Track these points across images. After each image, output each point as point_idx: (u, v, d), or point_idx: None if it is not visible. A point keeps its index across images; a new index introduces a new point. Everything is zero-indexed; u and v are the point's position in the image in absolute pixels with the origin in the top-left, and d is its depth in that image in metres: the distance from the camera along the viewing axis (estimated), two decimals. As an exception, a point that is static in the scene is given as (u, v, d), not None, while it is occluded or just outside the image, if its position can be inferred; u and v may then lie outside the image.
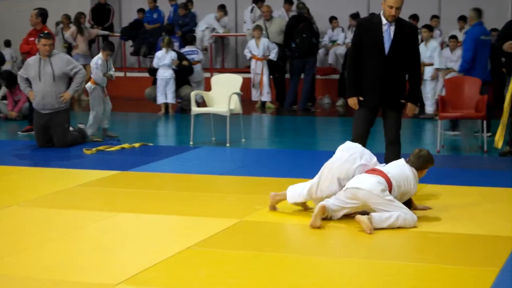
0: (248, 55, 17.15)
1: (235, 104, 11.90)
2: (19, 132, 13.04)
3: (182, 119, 15.16)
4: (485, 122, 11.06)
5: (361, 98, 8.02)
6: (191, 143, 11.72)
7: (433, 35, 15.73)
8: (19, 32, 15.58)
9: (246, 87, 15.55)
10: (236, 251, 6.18)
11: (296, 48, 16.36)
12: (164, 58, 15.93)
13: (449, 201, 7.74)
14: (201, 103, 14.03)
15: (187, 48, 17.00)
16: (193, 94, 12.23)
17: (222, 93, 11.92)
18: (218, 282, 5.45)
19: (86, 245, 6.40)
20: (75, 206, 7.79)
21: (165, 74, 15.91)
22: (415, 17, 17.00)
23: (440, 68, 14.66)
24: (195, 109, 12.03)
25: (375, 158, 7.23)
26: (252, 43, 17.01)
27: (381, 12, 7.91)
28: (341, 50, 18.44)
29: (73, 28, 18.70)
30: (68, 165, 10.27)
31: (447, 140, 11.96)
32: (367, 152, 7.25)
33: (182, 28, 18.78)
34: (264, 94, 17.01)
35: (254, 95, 17.14)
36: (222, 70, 18.68)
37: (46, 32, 11.70)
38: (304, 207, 7.41)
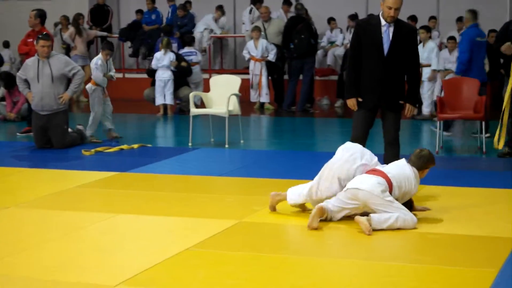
0: (247, 56, 17.14)
1: (234, 105, 11.90)
2: (18, 133, 13.03)
3: (180, 120, 15.15)
4: (483, 123, 11.05)
5: (360, 99, 8.02)
6: (189, 144, 11.72)
7: (432, 36, 15.74)
8: (18, 33, 15.56)
9: (245, 88, 15.54)
10: (235, 252, 6.18)
11: (294, 49, 16.36)
12: (162, 60, 15.93)
13: (448, 202, 7.74)
14: (199, 105, 14.02)
15: (186, 49, 17.00)
16: (191, 95, 12.23)
17: (221, 94, 11.92)
18: (216, 283, 5.45)
19: (85, 246, 6.39)
20: (74, 207, 7.78)
21: (163, 75, 15.91)
22: (413, 18, 17.01)
23: (437, 69, 14.67)
24: (193, 110, 12.03)
25: (376, 158, 7.23)
26: (250, 44, 17.01)
27: (380, 13, 7.92)
28: (340, 51, 18.44)
29: (71, 29, 18.70)
30: (67, 166, 10.26)
31: (443, 140, 11.96)
32: (367, 152, 7.25)
33: (181, 29, 18.78)
34: (262, 95, 17.01)
35: (253, 96, 17.13)
36: (221, 71, 18.67)
37: (44, 33, 11.70)
38: (302, 208, 7.41)
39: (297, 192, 7.31)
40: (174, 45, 17.12)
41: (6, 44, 19.96)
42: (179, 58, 16.18)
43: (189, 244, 6.33)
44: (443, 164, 9.83)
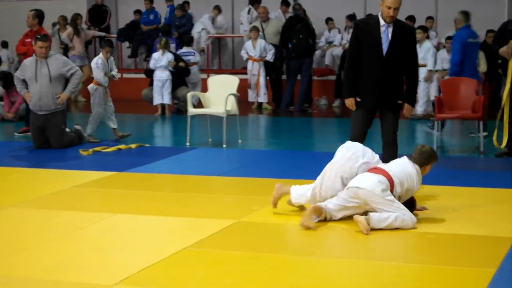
0: (245, 56, 17.15)
1: (232, 105, 11.90)
2: (16, 133, 13.03)
3: (178, 120, 15.15)
4: (481, 122, 11.06)
5: (358, 99, 8.03)
6: (187, 144, 11.72)
7: (429, 36, 15.74)
8: (16, 33, 15.56)
9: (243, 88, 15.55)
10: (233, 252, 6.17)
11: (292, 48, 16.37)
12: (160, 60, 15.94)
13: (447, 202, 7.74)
14: (196, 105, 14.01)
15: (184, 49, 17.01)
16: (189, 95, 12.23)
17: (219, 94, 11.92)
18: (214, 283, 5.45)
19: (83, 246, 6.39)
20: (72, 207, 7.78)
21: (161, 75, 15.91)
22: (411, 18, 17.01)
23: (433, 69, 14.68)
24: (191, 110, 12.03)
25: (377, 156, 7.24)
26: (248, 44, 17.01)
27: (379, 14, 7.92)
28: (338, 51, 18.45)
29: (69, 29, 18.70)
30: (65, 166, 10.25)
31: (441, 140, 11.97)
32: (368, 150, 7.25)
33: (179, 30, 18.79)
34: (260, 95, 17.02)
35: (251, 96, 17.14)
36: (219, 71, 18.67)
37: (42, 34, 11.68)
38: (301, 208, 7.40)
39: (301, 192, 7.30)
40: (172, 45, 17.13)
41: (5, 44, 19.96)
42: (177, 58, 16.18)
43: (187, 244, 6.33)
44: (441, 163, 9.79)
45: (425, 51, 14.58)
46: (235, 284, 5.43)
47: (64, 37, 18.74)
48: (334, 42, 18.94)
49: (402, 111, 8.13)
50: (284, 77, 17.39)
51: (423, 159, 7.07)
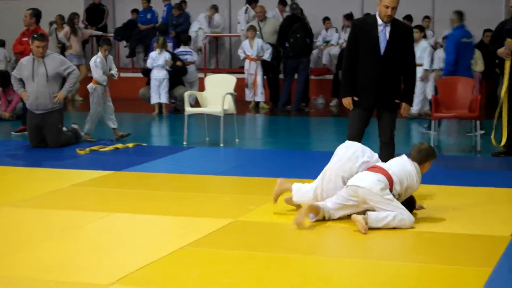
0: (242, 56, 17.16)
1: (229, 104, 11.90)
2: (13, 133, 13.02)
3: (175, 119, 15.15)
4: (478, 122, 11.07)
5: (355, 98, 8.03)
6: (184, 143, 11.72)
7: (426, 36, 15.75)
8: (13, 32, 15.54)
9: (240, 87, 15.56)
10: (230, 251, 6.18)
11: (290, 48, 16.38)
12: (158, 59, 15.93)
13: (444, 201, 7.74)
14: (193, 105, 14.01)
15: (182, 49, 17.01)
16: (186, 94, 12.23)
17: (216, 93, 11.92)
18: (211, 282, 5.45)
19: (80, 245, 6.39)
20: (69, 206, 7.77)
21: (159, 75, 15.91)
22: (409, 17, 17.03)
23: (428, 69, 14.69)
24: (188, 109, 12.03)
25: (376, 155, 7.25)
26: (246, 43, 17.02)
27: (377, 13, 7.92)
28: (335, 50, 18.46)
29: (66, 28, 18.69)
30: (62, 165, 10.25)
31: (438, 140, 11.99)
32: (368, 149, 7.26)
33: (176, 29, 18.79)
34: (258, 94, 17.02)
35: (248, 96, 17.15)
36: (216, 71, 18.68)
37: (39, 33, 11.66)
38: (297, 207, 7.40)
39: (303, 191, 7.28)
40: (170, 45, 17.12)
41: (2, 43, 19.92)
42: (174, 57, 16.18)
43: (184, 243, 6.33)
44: (438, 163, 9.82)
45: (421, 51, 14.59)
46: (232, 283, 5.43)
47: (61, 36, 18.73)
48: (331, 42, 18.94)
49: (399, 111, 8.13)
50: (281, 76, 17.39)
51: (422, 156, 7.08)
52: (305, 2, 18.80)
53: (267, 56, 16.85)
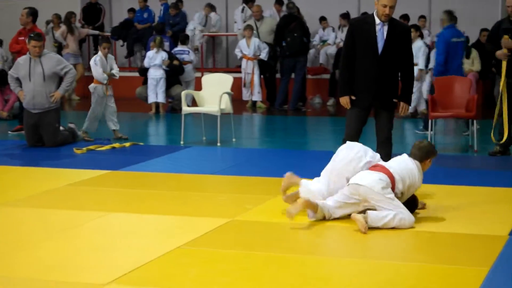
0: (239, 55, 17.15)
1: (226, 104, 11.89)
2: (9, 132, 13.01)
3: (172, 118, 15.14)
4: (475, 121, 11.07)
5: (353, 97, 8.03)
6: (181, 142, 11.71)
7: (423, 35, 15.76)
8: (10, 31, 15.53)
9: (237, 86, 15.55)
10: (227, 251, 6.18)
11: (287, 47, 16.38)
12: (155, 58, 15.93)
13: (442, 201, 7.74)
14: (190, 105, 14.00)
15: (179, 48, 17.00)
16: (183, 94, 12.23)
17: (213, 92, 11.92)
18: (208, 281, 5.45)
19: (77, 245, 6.38)
20: (66, 205, 7.77)
21: (156, 74, 15.91)
22: (405, 17, 17.03)
23: (423, 68, 14.70)
24: (185, 109, 12.03)
25: (378, 155, 7.26)
26: (243, 42, 17.02)
27: (374, 12, 7.92)
28: (332, 50, 18.46)
29: (63, 27, 18.68)
30: (59, 164, 10.24)
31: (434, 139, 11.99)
32: (369, 149, 7.27)
33: (173, 28, 18.78)
34: (255, 93, 17.02)
35: (245, 95, 17.14)
36: (213, 70, 18.67)
37: (36, 32, 11.65)
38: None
39: (311, 189, 7.25)
40: (166, 44, 17.11)
41: (-1, 42, 19.91)
42: (171, 56, 16.18)
43: (181, 242, 6.33)
44: (436, 162, 9.83)
45: (416, 50, 14.56)
46: (230, 283, 5.43)
47: (58, 35, 18.71)
48: (328, 41, 18.94)
49: (397, 110, 8.14)
50: (278, 75, 17.39)
51: (422, 154, 7.09)
52: (302, 1, 18.78)
53: (264, 55, 16.84)
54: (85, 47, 20.30)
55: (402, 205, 6.81)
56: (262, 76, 17.22)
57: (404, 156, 7.14)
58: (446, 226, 6.88)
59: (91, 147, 11.18)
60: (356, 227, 6.65)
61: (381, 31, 7.88)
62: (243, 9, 18.92)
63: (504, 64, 10.16)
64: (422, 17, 17.76)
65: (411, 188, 7.03)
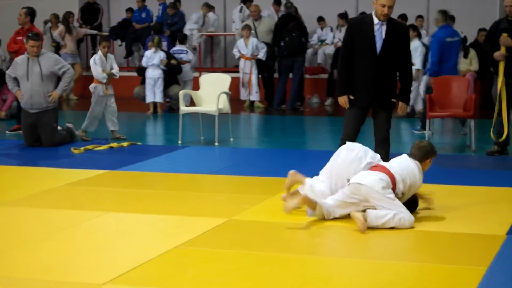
0: (237, 55, 17.15)
1: (224, 104, 11.89)
2: (7, 131, 13.00)
3: (170, 118, 15.14)
4: (472, 121, 11.08)
5: (351, 97, 8.03)
6: (179, 142, 11.71)
7: (421, 35, 15.76)
8: (8, 31, 15.50)
9: (235, 86, 15.56)
10: (224, 250, 6.18)
11: (285, 46, 16.38)
12: (153, 58, 15.92)
13: (441, 200, 7.71)
14: (187, 105, 14.00)
15: (177, 47, 17.00)
16: (181, 94, 12.23)
17: (211, 92, 11.92)
18: (206, 281, 5.45)
19: (74, 245, 6.38)
20: (63, 205, 7.76)
21: (154, 74, 15.90)
22: (403, 17, 17.03)
23: (420, 68, 14.70)
24: (183, 108, 12.03)
25: (378, 156, 7.26)
26: (241, 42, 17.01)
27: (373, 12, 7.93)
28: (330, 49, 18.47)
29: (61, 27, 18.67)
30: (56, 164, 10.24)
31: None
32: (369, 150, 7.27)
33: (171, 28, 18.78)
34: (252, 93, 17.02)
35: (243, 95, 17.14)
36: (211, 70, 18.67)
37: (34, 32, 11.64)
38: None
39: (315, 190, 7.25)
40: (164, 44, 17.10)
41: (-4, 42, 19.90)
42: (169, 56, 16.17)
43: (178, 242, 6.33)
44: (434, 162, 9.82)
45: (413, 50, 14.55)
46: (227, 282, 5.43)
47: (55, 35, 18.71)
48: (326, 41, 18.95)
49: (395, 110, 8.14)
50: (276, 75, 17.39)
51: (422, 154, 7.10)
52: (300, 1, 18.79)
53: (262, 55, 16.84)
54: (83, 47, 20.29)
55: (402, 205, 6.81)
56: (260, 76, 17.22)
57: (404, 156, 7.15)
58: (445, 225, 6.89)
59: (89, 146, 11.18)
60: (355, 227, 6.64)
61: (380, 31, 7.88)
62: (241, 9, 18.92)
63: (501, 64, 10.17)
64: (420, 17, 17.77)
65: (412, 188, 7.04)
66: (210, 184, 9.05)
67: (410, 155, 7.12)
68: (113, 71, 12.17)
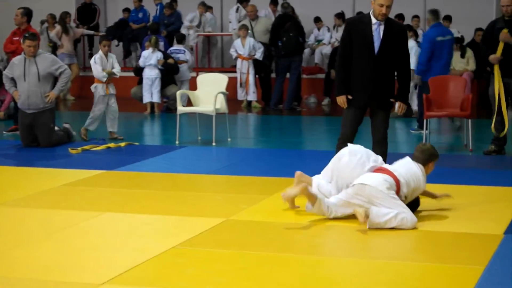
0: (234, 55, 17.15)
1: (221, 104, 11.89)
2: (4, 132, 12.98)
3: (168, 118, 15.14)
4: (470, 121, 11.08)
5: (349, 97, 8.03)
6: (177, 142, 11.70)
7: (418, 35, 15.76)
8: (5, 31, 15.49)
9: (232, 86, 15.55)
10: (222, 250, 6.18)
11: (282, 46, 16.38)
12: (150, 58, 15.91)
13: (438, 200, 7.73)
14: (185, 105, 13.97)
15: (175, 47, 16.99)
16: (179, 94, 12.22)
17: (208, 92, 11.91)
18: (204, 281, 5.45)
19: (72, 245, 6.38)
20: (61, 205, 7.76)
21: (151, 74, 15.89)
22: (401, 16, 17.04)
23: (414, 68, 14.69)
24: (180, 109, 12.02)
25: (380, 158, 7.26)
26: (238, 42, 17.01)
27: (371, 12, 7.93)
28: (327, 49, 18.46)
29: (58, 27, 18.65)
30: (54, 164, 10.24)
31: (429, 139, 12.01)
32: (371, 152, 7.27)
33: (168, 28, 18.77)
34: (250, 93, 17.01)
35: (240, 95, 17.13)
36: (208, 70, 18.66)
37: (31, 32, 11.63)
38: (292, 206, 7.37)
39: (322, 190, 7.25)
40: (161, 44, 17.10)
41: (-7, 42, 19.88)
42: (166, 56, 16.17)
43: (176, 242, 6.33)
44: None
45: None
46: (225, 282, 5.43)
47: (52, 35, 18.69)
48: (323, 41, 18.95)
49: (393, 109, 8.15)
50: (273, 75, 17.39)
51: (426, 156, 7.11)
52: (297, 1, 18.79)
53: (259, 55, 16.84)
54: (80, 47, 20.27)
55: (405, 206, 6.81)
56: (257, 76, 17.22)
57: (407, 159, 7.14)
58: (443, 225, 6.89)
59: (86, 147, 11.17)
60: (356, 227, 6.64)
61: (378, 31, 7.88)
62: (237, 9, 18.91)
63: (496, 67, 10.18)
64: (416, 16, 17.78)
65: (415, 192, 7.05)
66: (207, 184, 9.05)
67: (413, 158, 7.12)
68: (114, 70, 12.16)
